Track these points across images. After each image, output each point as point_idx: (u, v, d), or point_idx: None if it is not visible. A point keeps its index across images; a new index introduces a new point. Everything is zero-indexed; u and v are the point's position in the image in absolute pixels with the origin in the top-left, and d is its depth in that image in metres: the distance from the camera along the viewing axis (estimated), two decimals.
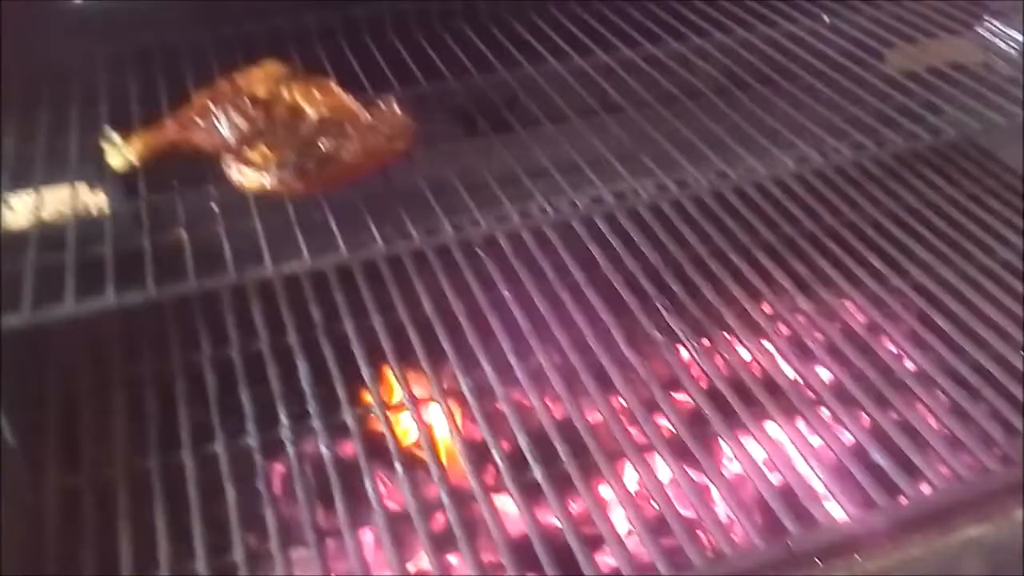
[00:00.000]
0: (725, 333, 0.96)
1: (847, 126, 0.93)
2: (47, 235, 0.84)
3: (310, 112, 0.88)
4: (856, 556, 0.75)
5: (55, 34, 1.00)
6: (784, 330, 0.97)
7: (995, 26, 1.11)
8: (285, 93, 0.90)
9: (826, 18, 1.10)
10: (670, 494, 0.81)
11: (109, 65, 1.02)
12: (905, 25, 1.09)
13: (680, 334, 0.95)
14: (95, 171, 0.91)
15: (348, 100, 0.90)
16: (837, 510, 0.78)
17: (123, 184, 0.92)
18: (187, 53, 1.03)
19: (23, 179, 0.89)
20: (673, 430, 0.86)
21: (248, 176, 0.83)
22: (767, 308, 0.99)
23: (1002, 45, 1.09)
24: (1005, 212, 1.10)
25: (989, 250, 1.04)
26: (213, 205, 0.85)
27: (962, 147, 1.21)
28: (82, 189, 0.91)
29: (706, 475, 0.82)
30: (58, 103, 0.98)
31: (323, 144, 0.84)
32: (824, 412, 0.87)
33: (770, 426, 0.87)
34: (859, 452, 0.83)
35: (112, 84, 1.00)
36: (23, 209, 0.87)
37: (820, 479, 0.81)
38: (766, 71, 1.02)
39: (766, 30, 1.09)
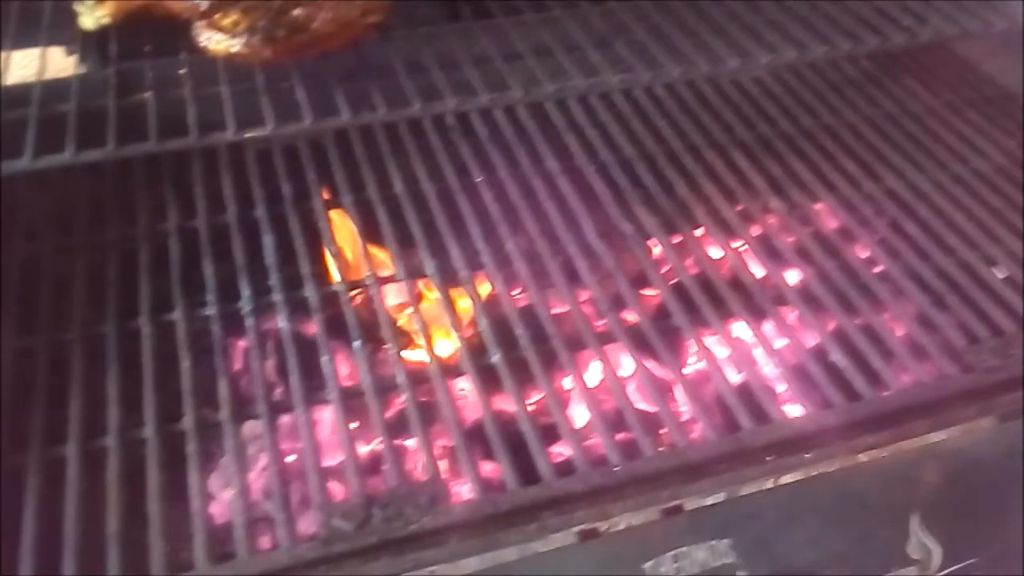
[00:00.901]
0: (696, 230, 0.87)
1: (824, 24, 0.82)
2: (12, 94, 0.75)
3: None
4: (806, 454, 0.68)
5: None
6: (755, 230, 0.88)
7: None
8: None
9: None
10: (630, 388, 0.73)
11: None
12: None
13: (650, 229, 0.86)
14: (68, 35, 0.82)
15: None
16: (795, 410, 0.70)
17: (95, 49, 0.82)
18: None
19: None
20: (638, 324, 0.77)
21: (217, 40, 0.74)
22: (739, 207, 0.89)
23: None
24: (981, 122, 1.00)
25: (963, 159, 0.95)
26: (182, 71, 0.76)
27: (944, 56, 1.10)
28: (54, 53, 0.82)
29: (668, 370, 0.74)
30: None
31: (295, 13, 0.75)
32: (790, 314, 0.79)
33: (735, 325, 0.78)
34: (821, 355, 0.75)
35: None
36: None
37: (780, 379, 0.74)
38: None
39: None
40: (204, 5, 0.76)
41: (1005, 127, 0.99)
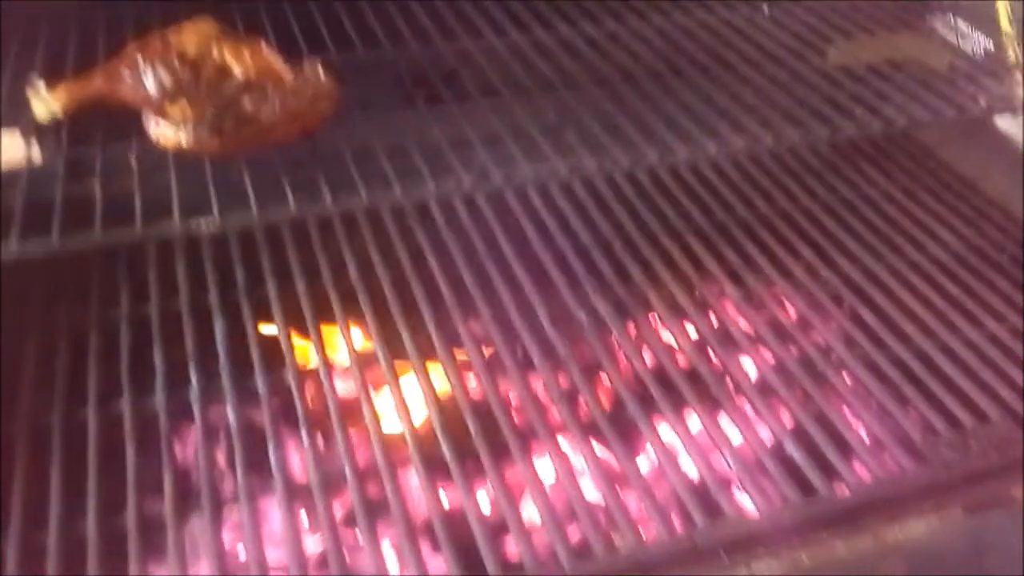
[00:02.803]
0: (651, 317, 0.85)
1: (777, 116, 0.80)
2: None
3: (236, 72, 0.77)
4: (761, 551, 0.64)
5: None
6: (711, 318, 0.85)
7: (937, 24, 0.98)
8: (215, 51, 0.79)
9: (766, 8, 0.97)
10: (581, 482, 0.70)
11: (50, 17, 0.90)
12: (844, 19, 0.96)
13: (606, 316, 0.83)
14: (22, 119, 0.79)
15: (276, 62, 0.78)
16: (749, 505, 0.67)
17: (48, 133, 0.80)
18: (130, 11, 0.91)
19: None
20: (591, 415, 0.74)
21: (165, 131, 0.73)
22: (696, 294, 0.87)
23: (941, 43, 0.96)
24: (939, 209, 0.99)
25: (920, 246, 0.93)
26: (131, 159, 0.74)
27: (901, 143, 1.09)
28: (7, 135, 0.80)
29: (621, 464, 0.71)
30: None
31: (244, 104, 0.73)
32: (745, 404, 0.76)
33: (690, 416, 0.75)
34: (777, 447, 0.72)
35: (51, 38, 0.88)
36: None
37: (735, 473, 0.70)
38: (702, 58, 0.90)
39: (704, 15, 0.96)
40: (153, 96, 0.74)
41: (962, 214, 0.98)
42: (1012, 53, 0.92)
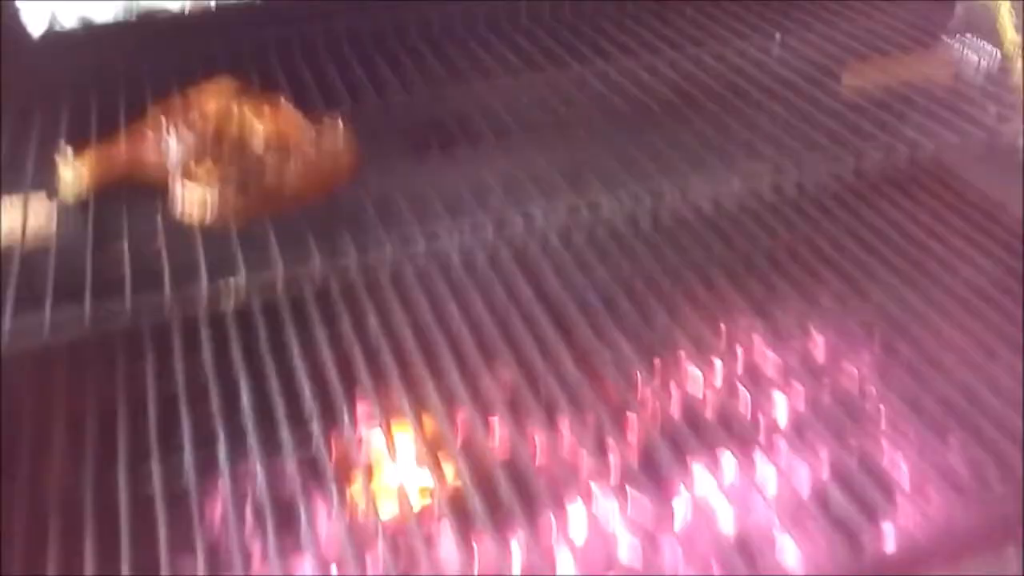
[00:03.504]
0: (679, 356, 0.82)
1: (798, 145, 0.78)
2: None
3: (258, 130, 0.78)
4: None
5: (19, 60, 0.88)
6: (740, 354, 0.82)
7: (957, 42, 0.96)
8: (236, 110, 0.80)
9: (778, 36, 0.95)
10: (615, 531, 0.67)
11: (72, 90, 0.91)
12: (858, 43, 0.95)
13: (631, 357, 0.81)
14: (48, 187, 0.80)
15: (296, 119, 0.79)
16: (791, 554, 0.64)
17: (75, 200, 0.80)
18: (149, 76, 0.91)
19: None
20: (622, 461, 0.71)
21: (191, 194, 0.73)
22: (722, 330, 0.84)
23: (958, 64, 0.94)
24: (969, 231, 0.95)
25: (954, 271, 0.89)
26: (158, 224, 0.75)
27: (924, 165, 1.05)
28: (35, 203, 0.80)
29: (655, 512, 0.68)
30: (20, 118, 0.87)
31: (267, 163, 0.74)
32: (781, 443, 0.72)
33: (724, 458, 0.72)
34: (817, 489, 0.69)
35: (73, 108, 0.89)
36: None
37: (775, 519, 0.66)
38: (717, 88, 0.88)
39: (718, 48, 0.95)
40: (178, 158, 0.75)
41: (994, 235, 0.95)
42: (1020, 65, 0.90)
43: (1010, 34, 0.93)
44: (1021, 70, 0.90)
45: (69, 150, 0.79)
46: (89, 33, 0.91)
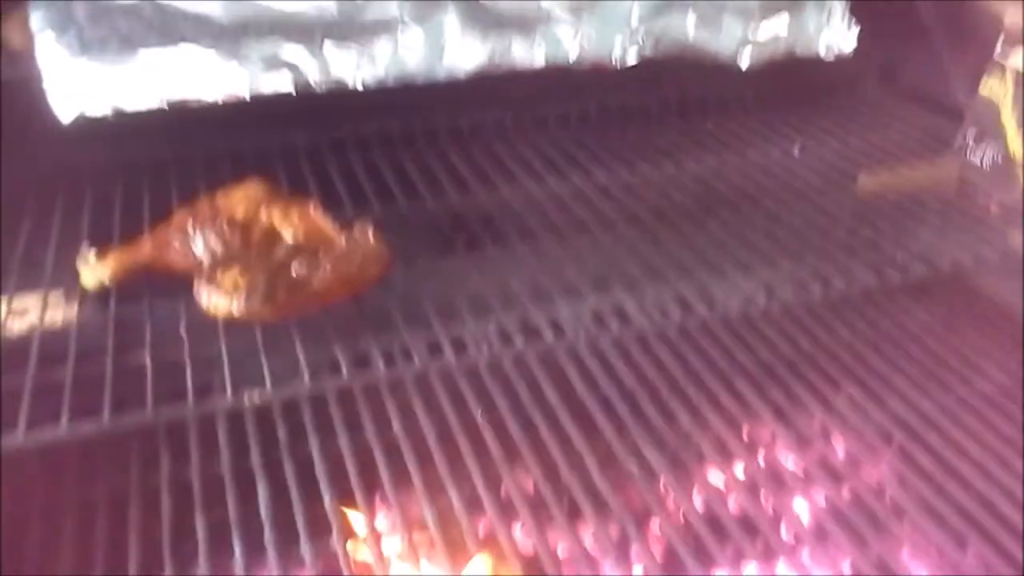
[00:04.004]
0: (700, 461, 0.87)
1: (819, 259, 0.85)
2: (10, 349, 0.77)
3: (286, 236, 0.82)
4: None
5: (43, 146, 0.92)
6: (761, 460, 0.87)
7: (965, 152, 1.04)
8: (263, 215, 0.84)
9: (796, 149, 1.03)
10: None
11: (95, 177, 0.95)
12: (875, 151, 1.03)
13: (653, 461, 0.85)
14: (69, 283, 0.84)
15: (325, 224, 0.83)
16: None
17: (95, 296, 0.84)
18: (174, 168, 0.96)
19: None
20: (645, 566, 0.75)
21: (217, 301, 0.76)
22: (744, 436, 0.89)
23: (965, 169, 1.01)
24: (981, 341, 1.01)
25: (967, 381, 0.95)
26: (181, 329, 0.78)
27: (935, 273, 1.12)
28: (54, 299, 0.84)
29: None
30: (41, 213, 0.92)
31: (295, 270, 0.77)
32: (803, 550, 0.77)
33: (747, 566, 0.76)
34: None
35: (96, 197, 0.93)
36: None
37: None
38: (737, 197, 0.95)
39: (736, 159, 1.02)
40: (204, 263, 0.78)
41: (1005, 345, 1.00)
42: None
43: (1012, 137, 1.02)
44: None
45: (91, 252, 0.81)
46: (116, 122, 0.92)
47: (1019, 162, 0.98)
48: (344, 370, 0.73)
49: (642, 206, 0.94)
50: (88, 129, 0.93)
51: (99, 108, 0.84)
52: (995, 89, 0.99)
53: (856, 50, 0.98)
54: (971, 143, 1.01)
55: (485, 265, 0.86)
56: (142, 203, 0.92)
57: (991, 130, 1.02)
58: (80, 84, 0.82)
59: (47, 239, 0.88)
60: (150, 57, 0.82)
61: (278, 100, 0.86)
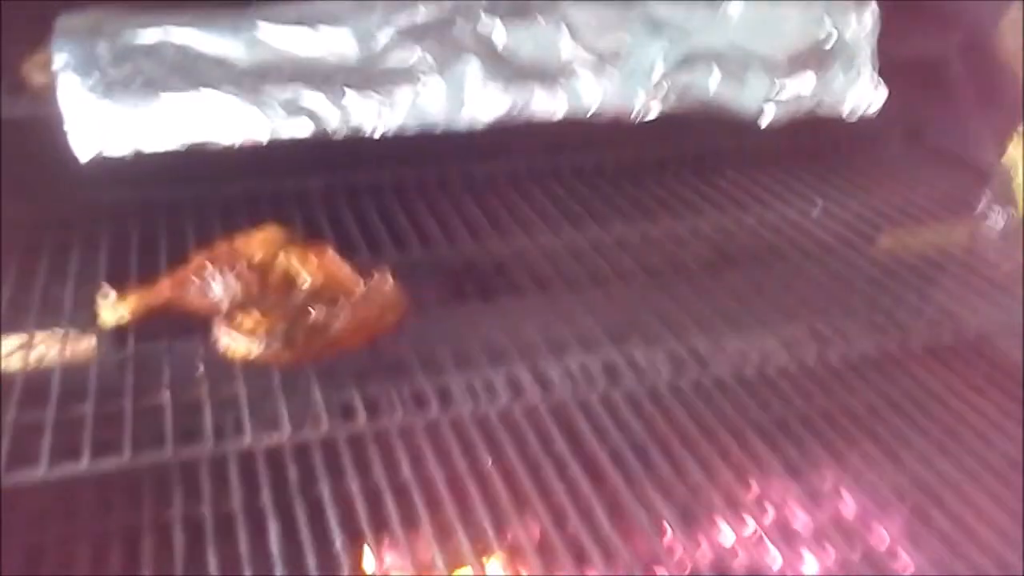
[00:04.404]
0: (711, 515, 0.89)
1: (842, 315, 0.88)
2: (31, 386, 0.80)
3: (305, 279, 0.85)
4: None
5: (60, 184, 0.95)
6: (772, 514, 0.90)
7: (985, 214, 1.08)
8: (282, 258, 0.88)
9: (818, 205, 1.07)
10: None
11: (112, 217, 1.00)
12: (895, 211, 1.06)
13: (664, 513, 0.88)
14: (87, 321, 0.87)
15: (344, 269, 0.86)
16: None
17: (113, 334, 0.87)
18: (190, 208, 1.00)
19: (16, 326, 0.86)
20: None
21: (237, 343, 0.79)
22: (755, 490, 0.92)
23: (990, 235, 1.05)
24: (1002, 400, 1.03)
25: (989, 441, 0.97)
26: (199, 369, 0.81)
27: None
28: (72, 337, 0.88)
29: None
30: (58, 250, 0.96)
31: (314, 314, 0.80)
32: None
33: None
34: None
35: (114, 236, 0.98)
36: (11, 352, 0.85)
37: None
38: (757, 252, 0.99)
39: (760, 211, 1.06)
40: (226, 305, 0.82)
41: None
42: None
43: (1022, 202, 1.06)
44: None
45: (111, 292, 0.85)
46: (133, 162, 0.92)
47: None
48: (360, 414, 0.76)
49: (658, 260, 0.97)
50: (106, 168, 0.97)
51: (118, 149, 0.86)
52: (1012, 154, 1.04)
53: (881, 109, 1.02)
54: (987, 207, 1.06)
55: (500, 314, 0.89)
56: (158, 243, 0.96)
57: (1005, 195, 1.06)
58: (100, 124, 0.84)
59: (64, 277, 0.92)
60: (171, 100, 0.86)
61: (294, 146, 0.90)
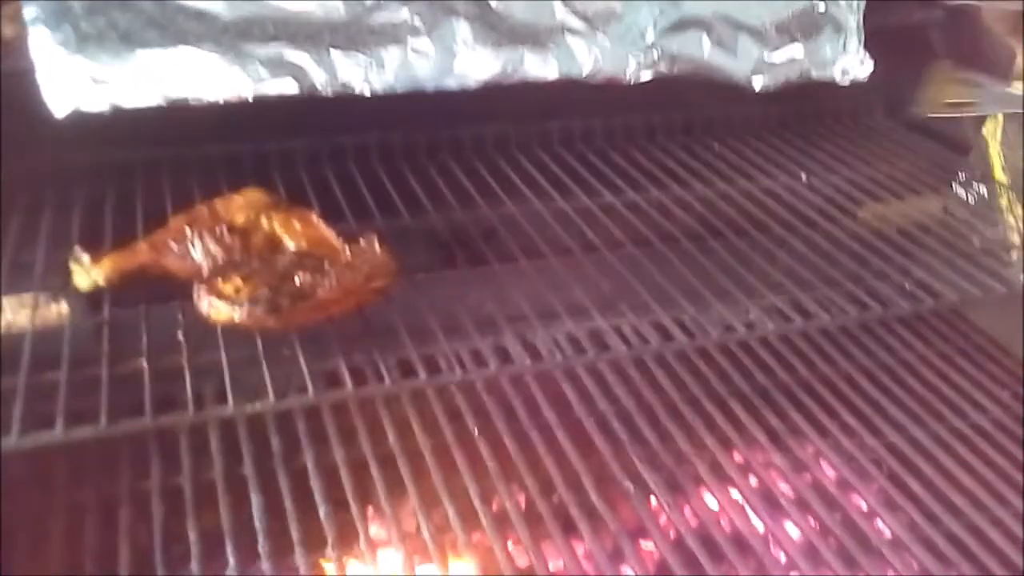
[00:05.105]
0: (696, 483, 0.90)
1: (822, 284, 0.89)
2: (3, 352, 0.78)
3: (288, 244, 0.83)
4: None
5: (31, 143, 0.92)
6: (755, 482, 0.91)
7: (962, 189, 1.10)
8: (264, 223, 0.85)
9: (804, 176, 1.07)
10: None
11: (86, 177, 0.96)
12: (876, 186, 1.07)
13: (650, 481, 0.89)
14: (60, 284, 0.84)
15: (329, 234, 0.84)
16: None
17: (87, 300, 0.85)
18: (168, 169, 0.97)
19: None
20: None
21: (218, 308, 0.77)
22: (739, 458, 0.93)
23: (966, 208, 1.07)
24: (976, 374, 1.06)
25: (961, 413, 1.00)
26: (179, 335, 0.79)
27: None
28: (44, 301, 0.86)
29: None
30: (30, 211, 0.92)
31: (299, 279, 0.78)
32: (792, 572, 0.81)
33: None
34: None
35: (87, 197, 0.94)
36: None
37: None
38: (742, 223, 0.99)
39: (745, 184, 1.06)
40: (206, 270, 0.80)
41: (998, 378, 1.06)
42: (1005, 201, 1.04)
43: (997, 172, 1.08)
44: (1006, 207, 1.06)
45: (84, 255, 0.81)
46: (109, 120, 0.88)
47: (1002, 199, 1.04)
48: (347, 383, 0.75)
49: (645, 228, 0.97)
50: (79, 127, 0.91)
51: (95, 104, 0.83)
52: (990, 127, 1.05)
53: (866, 80, 1.02)
54: (965, 180, 1.08)
55: (487, 281, 0.88)
56: (134, 205, 0.93)
57: (983, 168, 1.08)
58: (74, 79, 0.81)
59: (35, 240, 0.89)
60: (148, 56, 0.82)
61: (277, 106, 0.87)
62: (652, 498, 0.89)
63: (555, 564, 0.81)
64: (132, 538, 0.81)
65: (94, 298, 0.84)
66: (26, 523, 0.84)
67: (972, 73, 1.10)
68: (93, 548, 0.81)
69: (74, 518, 0.85)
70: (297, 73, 0.87)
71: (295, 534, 0.81)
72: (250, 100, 0.86)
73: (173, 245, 0.83)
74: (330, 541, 0.82)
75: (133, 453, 0.90)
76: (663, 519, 0.88)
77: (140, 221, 0.90)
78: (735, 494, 0.89)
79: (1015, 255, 0.99)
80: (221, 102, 0.86)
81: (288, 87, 0.87)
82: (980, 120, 1.08)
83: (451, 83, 0.90)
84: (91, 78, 0.83)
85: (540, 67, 0.91)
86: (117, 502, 0.85)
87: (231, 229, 0.83)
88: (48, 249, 0.88)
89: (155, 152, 0.98)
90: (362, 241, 0.83)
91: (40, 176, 0.95)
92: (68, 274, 0.83)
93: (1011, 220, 1.03)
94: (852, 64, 1.02)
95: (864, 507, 0.89)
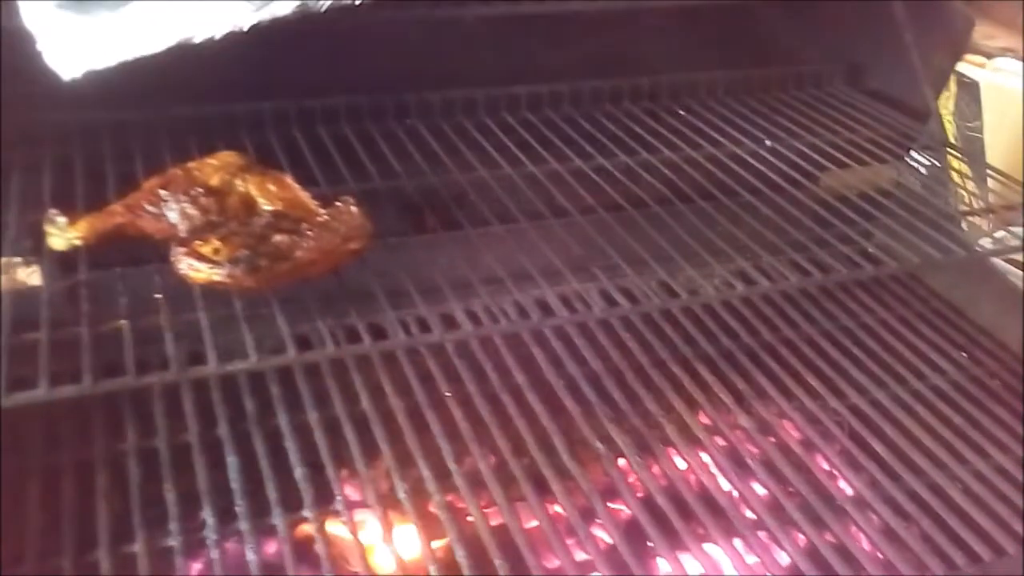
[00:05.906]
0: (664, 443, 0.93)
1: (787, 247, 0.92)
2: None
3: (264, 205, 0.84)
4: None
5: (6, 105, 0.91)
6: (722, 443, 0.94)
7: (919, 156, 1.14)
8: (239, 184, 0.85)
9: (767, 141, 1.10)
10: None
11: (54, 139, 0.96)
12: (837, 151, 1.10)
13: (619, 443, 0.92)
14: (33, 247, 0.85)
15: (304, 196, 0.85)
16: None
17: (61, 260, 0.84)
18: (137, 131, 0.97)
19: None
20: (610, 542, 0.81)
21: (198, 270, 0.77)
22: (706, 420, 0.96)
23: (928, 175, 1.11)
24: (934, 337, 1.11)
25: (920, 375, 1.04)
26: (157, 296, 0.79)
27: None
28: (16, 264, 0.87)
29: None
30: None
31: (277, 240, 0.79)
32: (759, 531, 0.84)
33: (708, 544, 0.83)
34: (794, 573, 0.80)
35: (57, 158, 0.94)
36: None
37: None
38: (709, 188, 1.02)
39: (711, 149, 1.09)
40: (183, 231, 0.80)
41: (956, 342, 1.10)
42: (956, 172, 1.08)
43: (950, 141, 1.12)
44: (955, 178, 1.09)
45: (60, 217, 0.81)
46: (74, 82, 0.84)
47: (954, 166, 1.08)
48: (329, 343, 0.76)
49: (613, 192, 0.99)
50: (45, 88, 0.92)
51: (104, 60, 0.79)
52: (942, 95, 1.09)
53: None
54: (921, 147, 1.11)
55: (460, 243, 0.90)
56: (104, 166, 0.93)
57: (939, 135, 1.12)
58: (79, 39, 0.77)
59: (5, 202, 0.88)
60: (140, 5, 0.81)
61: (245, 66, 0.86)
62: (621, 459, 0.92)
63: (529, 524, 0.84)
64: (109, 500, 0.82)
65: (68, 261, 0.83)
66: (3, 486, 0.84)
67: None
68: (70, 510, 0.82)
69: (50, 481, 0.85)
70: None
71: (271, 494, 0.82)
72: (245, 30, 0.83)
73: (149, 207, 0.83)
74: (307, 501, 0.83)
75: (107, 416, 0.91)
76: (632, 479, 0.90)
77: (111, 183, 0.90)
78: (703, 456, 0.92)
79: (964, 225, 1.02)
80: (217, 37, 0.84)
81: (284, 8, 0.84)
82: (939, 88, 1.11)
83: None
84: (93, 34, 0.81)
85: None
86: (93, 465, 0.86)
87: (207, 191, 0.84)
88: (19, 212, 0.87)
89: (122, 114, 0.98)
90: (338, 203, 0.83)
91: (6, 139, 0.94)
92: (41, 236, 0.82)
93: (962, 190, 1.06)
94: None
95: (827, 467, 0.92)
